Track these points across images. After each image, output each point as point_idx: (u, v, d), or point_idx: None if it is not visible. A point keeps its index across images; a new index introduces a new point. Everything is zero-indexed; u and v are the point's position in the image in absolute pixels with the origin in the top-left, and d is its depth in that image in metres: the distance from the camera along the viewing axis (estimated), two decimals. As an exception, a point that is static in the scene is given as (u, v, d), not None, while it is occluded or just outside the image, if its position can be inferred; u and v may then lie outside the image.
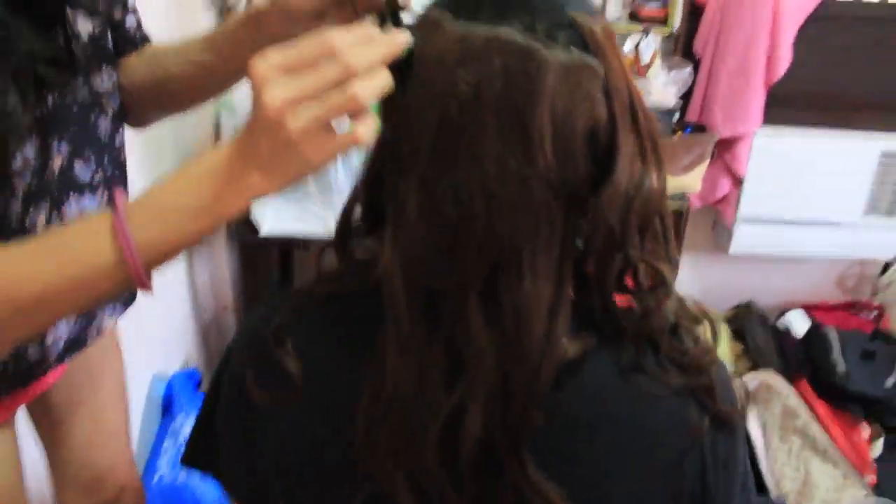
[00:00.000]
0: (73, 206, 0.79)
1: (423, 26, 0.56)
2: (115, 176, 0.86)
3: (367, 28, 0.55)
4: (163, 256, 0.60)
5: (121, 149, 0.89)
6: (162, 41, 0.94)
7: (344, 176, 1.85)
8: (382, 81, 0.53)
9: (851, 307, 2.59)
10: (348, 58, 0.52)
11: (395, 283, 0.56)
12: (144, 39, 0.93)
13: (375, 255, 0.64)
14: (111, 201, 0.61)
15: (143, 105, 0.92)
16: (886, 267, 2.56)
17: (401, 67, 0.54)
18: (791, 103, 2.28)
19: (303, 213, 1.87)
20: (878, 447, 1.97)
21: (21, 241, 0.62)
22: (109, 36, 0.84)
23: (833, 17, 2.25)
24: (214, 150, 0.59)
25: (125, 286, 0.60)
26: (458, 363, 0.57)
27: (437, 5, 0.57)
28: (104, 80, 0.82)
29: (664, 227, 0.59)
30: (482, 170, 0.53)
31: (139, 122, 0.96)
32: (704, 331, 0.65)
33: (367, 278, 0.64)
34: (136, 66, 0.90)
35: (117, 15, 0.87)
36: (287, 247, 2.17)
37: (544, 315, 0.55)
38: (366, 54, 0.53)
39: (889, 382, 2.01)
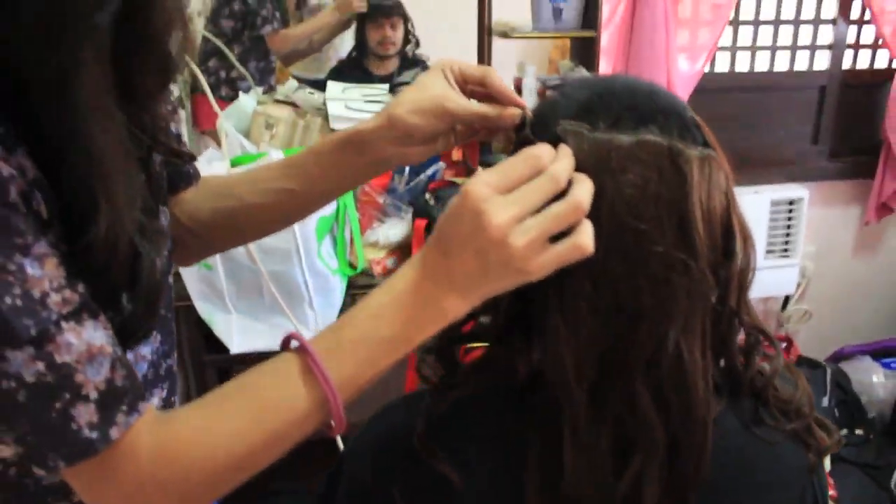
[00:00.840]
0: (128, 353, 0.74)
1: (565, 138, 0.60)
2: (168, 318, 0.81)
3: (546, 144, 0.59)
4: (356, 392, 0.59)
5: (171, 288, 0.85)
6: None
7: (313, 286, 1.83)
8: (590, 186, 0.57)
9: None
10: (556, 171, 0.56)
11: (569, 378, 0.60)
12: (198, 174, 0.90)
13: (501, 355, 0.67)
14: (285, 345, 0.60)
15: (207, 239, 0.88)
16: (787, 301, 2.85)
17: None
18: (692, 167, 2.54)
19: (272, 329, 1.79)
20: (826, 463, 2.16)
21: (203, 402, 0.59)
22: (164, 173, 0.79)
23: (713, 88, 2.56)
24: (398, 278, 0.59)
25: (319, 428, 0.59)
26: (624, 445, 0.60)
27: (567, 117, 0.61)
28: (162, 221, 0.77)
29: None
30: (650, 260, 0.58)
31: (191, 258, 0.92)
32: (798, 378, 0.74)
33: (488, 380, 0.67)
34: (195, 200, 0.87)
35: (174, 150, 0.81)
36: (227, 365, 2.12)
37: (702, 382, 0.61)
38: (565, 165, 0.57)
39: (824, 402, 2.22)
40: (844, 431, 2.31)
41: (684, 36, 2.47)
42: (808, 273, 2.82)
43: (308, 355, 0.58)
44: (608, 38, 2.40)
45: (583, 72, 2.34)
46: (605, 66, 2.42)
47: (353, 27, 2.50)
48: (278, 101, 2.11)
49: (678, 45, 2.43)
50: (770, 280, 2.68)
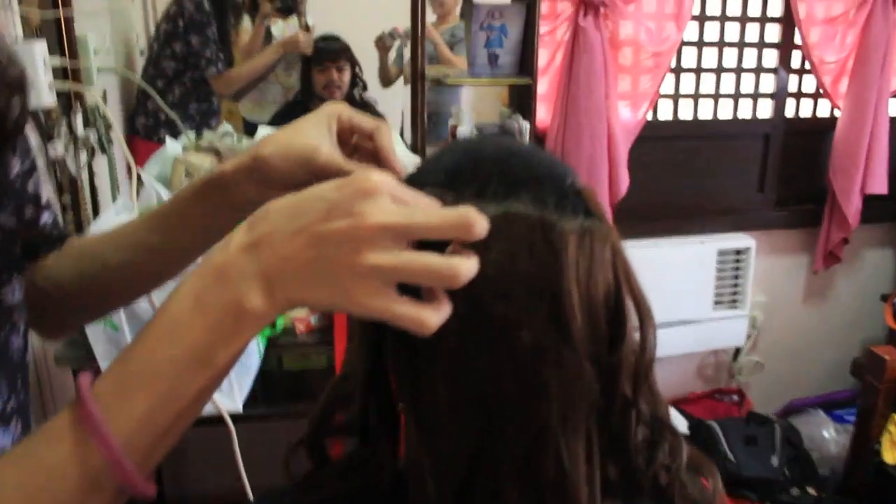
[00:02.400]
0: None
1: None
2: (29, 400, 0.73)
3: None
4: (159, 440, 0.47)
5: (29, 366, 0.75)
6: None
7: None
8: (474, 265, 0.47)
9: (715, 394, 2.76)
10: (469, 215, 0.46)
11: (427, 477, 0.52)
12: (63, 236, 0.82)
13: (367, 454, 0.60)
14: (77, 391, 0.48)
15: (71, 308, 0.79)
16: (737, 352, 2.78)
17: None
18: (636, 217, 2.47)
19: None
20: (778, 527, 2.07)
21: None
22: (18, 240, 0.72)
23: (655, 136, 2.51)
24: (198, 275, 0.47)
25: (121, 495, 0.47)
26: None
27: (432, 184, 0.54)
28: (15, 292, 0.70)
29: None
30: (516, 348, 0.51)
31: (57, 331, 0.83)
32: (709, 473, 0.65)
33: (353, 481, 0.59)
34: (58, 266, 0.79)
35: (29, 214, 0.76)
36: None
37: (585, 486, 0.53)
38: (483, 222, 0.48)
39: (774, 461, 2.13)
40: (796, 491, 2.21)
41: (626, 83, 2.43)
42: (759, 324, 2.76)
43: (81, 406, 0.46)
44: (546, 84, 2.34)
45: (518, 120, 2.28)
46: (543, 114, 2.36)
47: (299, 69, 2.43)
48: (201, 149, 2.01)
49: (619, 92, 2.38)
50: (720, 331, 2.61)
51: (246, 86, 2.47)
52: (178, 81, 2.26)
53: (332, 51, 2.35)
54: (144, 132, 2.27)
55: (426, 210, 0.48)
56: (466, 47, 2.26)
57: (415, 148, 2.20)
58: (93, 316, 0.86)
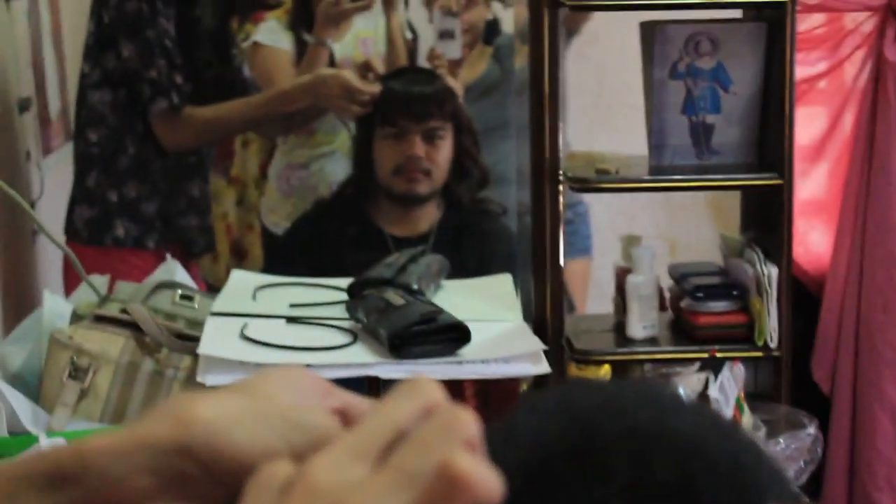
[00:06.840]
0: None
1: None
2: None
3: None
4: None
5: None
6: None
7: None
8: None
9: None
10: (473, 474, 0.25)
11: None
12: None
13: None
14: None
15: None
16: None
17: None
18: None
19: None
20: None
21: None
22: None
23: None
24: None
25: None
26: None
27: (514, 472, 0.30)
28: None
29: None
30: None
31: None
32: None
33: None
34: None
35: None
36: None
37: None
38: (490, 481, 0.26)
39: None
40: None
41: None
42: None
43: None
44: (818, 184, 1.20)
45: (757, 259, 1.12)
46: (815, 243, 1.19)
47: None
48: (101, 320, 1.06)
49: None
50: None
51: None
52: (116, 128, 1.40)
53: (417, 98, 1.34)
54: (88, 232, 1.41)
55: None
56: (646, 117, 1.18)
57: (540, 323, 1.14)
58: None
